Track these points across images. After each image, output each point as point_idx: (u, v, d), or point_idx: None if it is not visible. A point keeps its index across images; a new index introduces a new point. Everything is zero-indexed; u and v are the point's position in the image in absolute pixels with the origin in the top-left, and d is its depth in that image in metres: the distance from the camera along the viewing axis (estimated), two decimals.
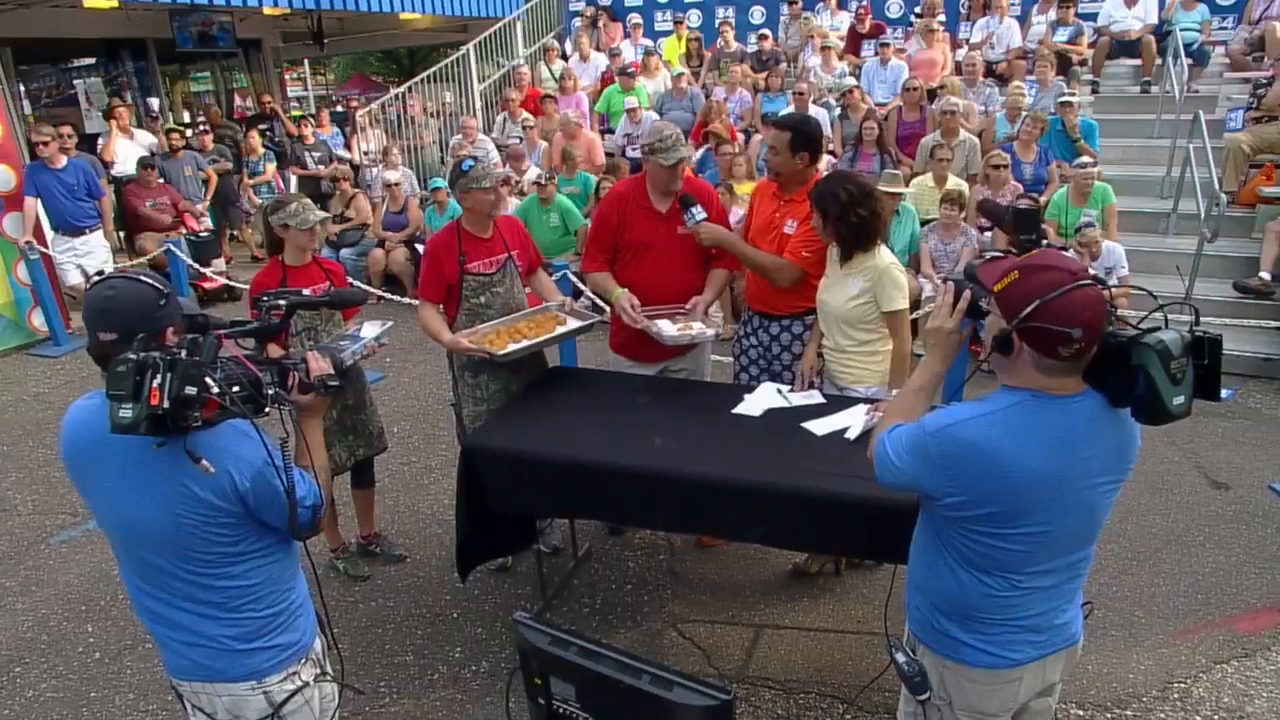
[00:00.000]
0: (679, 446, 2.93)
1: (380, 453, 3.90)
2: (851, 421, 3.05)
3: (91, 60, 14.47)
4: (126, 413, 1.57)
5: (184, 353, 1.61)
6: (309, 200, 3.55)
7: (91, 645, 3.59)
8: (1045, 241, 2.13)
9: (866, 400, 3.22)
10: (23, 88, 13.81)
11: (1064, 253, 1.79)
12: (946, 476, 1.76)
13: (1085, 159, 6.61)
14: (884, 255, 3.18)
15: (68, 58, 14.34)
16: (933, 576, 1.94)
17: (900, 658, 2.06)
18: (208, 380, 1.62)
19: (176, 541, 1.81)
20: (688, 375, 3.84)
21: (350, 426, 3.68)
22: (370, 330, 3.56)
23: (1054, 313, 1.60)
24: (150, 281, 1.81)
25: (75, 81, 14.49)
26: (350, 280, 6.34)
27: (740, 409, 3.22)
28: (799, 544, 3.06)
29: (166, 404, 1.56)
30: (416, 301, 3.78)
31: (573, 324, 3.57)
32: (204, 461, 1.66)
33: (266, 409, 1.80)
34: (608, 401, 3.37)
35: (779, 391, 3.34)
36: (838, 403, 3.23)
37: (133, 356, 1.57)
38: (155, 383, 1.56)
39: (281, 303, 2.03)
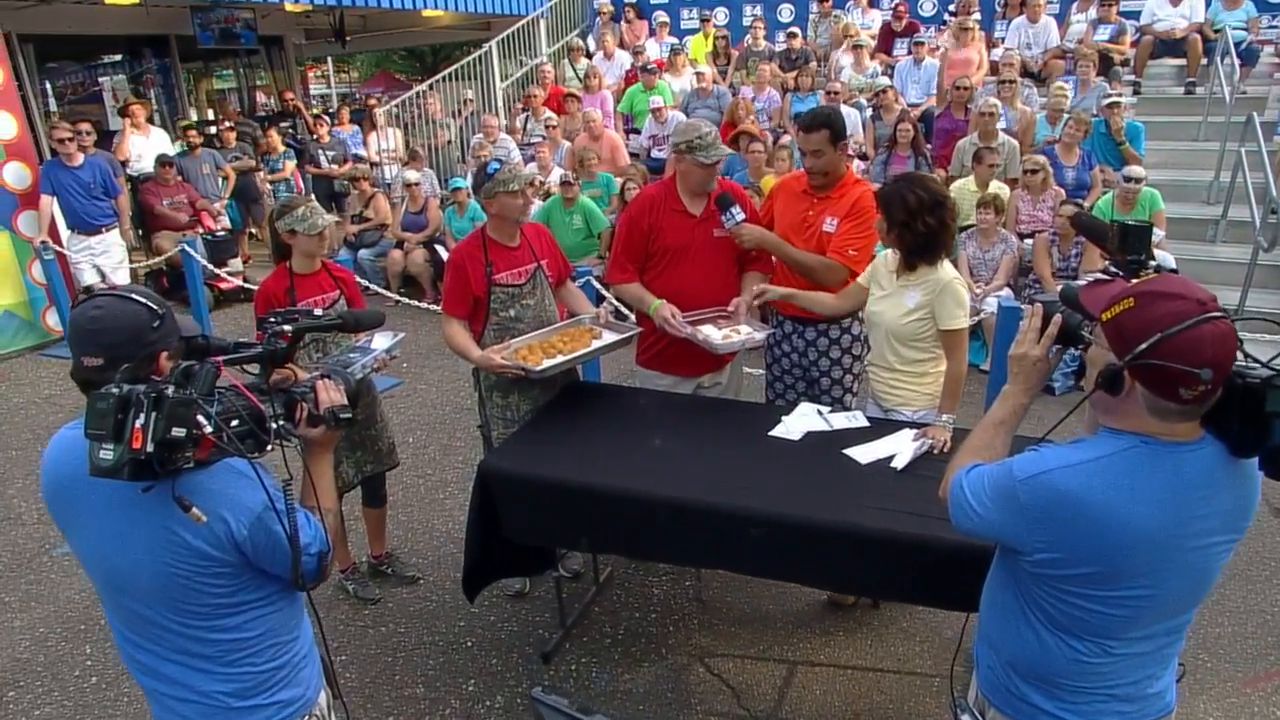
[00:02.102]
0: (712, 474, 2.70)
1: (391, 469, 3.71)
2: (898, 448, 2.82)
3: (119, 57, 14.46)
4: (107, 455, 1.38)
5: (172, 387, 1.41)
6: (317, 204, 3.35)
7: (89, 669, 3.42)
8: (1154, 263, 1.88)
9: (912, 424, 2.99)
10: (49, 85, 13.81)
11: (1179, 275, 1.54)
12: (1038, 530, 1.53)
13: (1135, 169, 6.28)
14: (947, 269, 2.94)
15: (92, 55, 14.33)
16: (1010, 635, 1.70)
17: None
18: (200, 418, 1.42)
19: (166, 592, 1.62)
20: (720, 391, 3.62)
21: (359, 442, 3.49)
22: (381, 342, 3.36)
23: (1178, 349, 1.36)
24: (143, 300, 1.62)
25: (100, 79, 14.49)
26: (365, 283, 6.17)
27: (777, 431, 2.99)
28: (847, 587, 2.83)
29: (150, 448, 1.36)
30: (435, 307, 3.55)
31: (610, 337, 3.35)
32: (195, 510, 1.46)
33: (269, 446, 1.59)
34: (634, 423, 3.14)
35: (819, 413, 3.11)
36: (882, 426, 3.00)
37: (115, 390, 1.38)
38: (138, 423, 1.36)
39: (287, 328, 1.81)
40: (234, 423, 1.51)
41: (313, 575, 1.71)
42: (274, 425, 1.61)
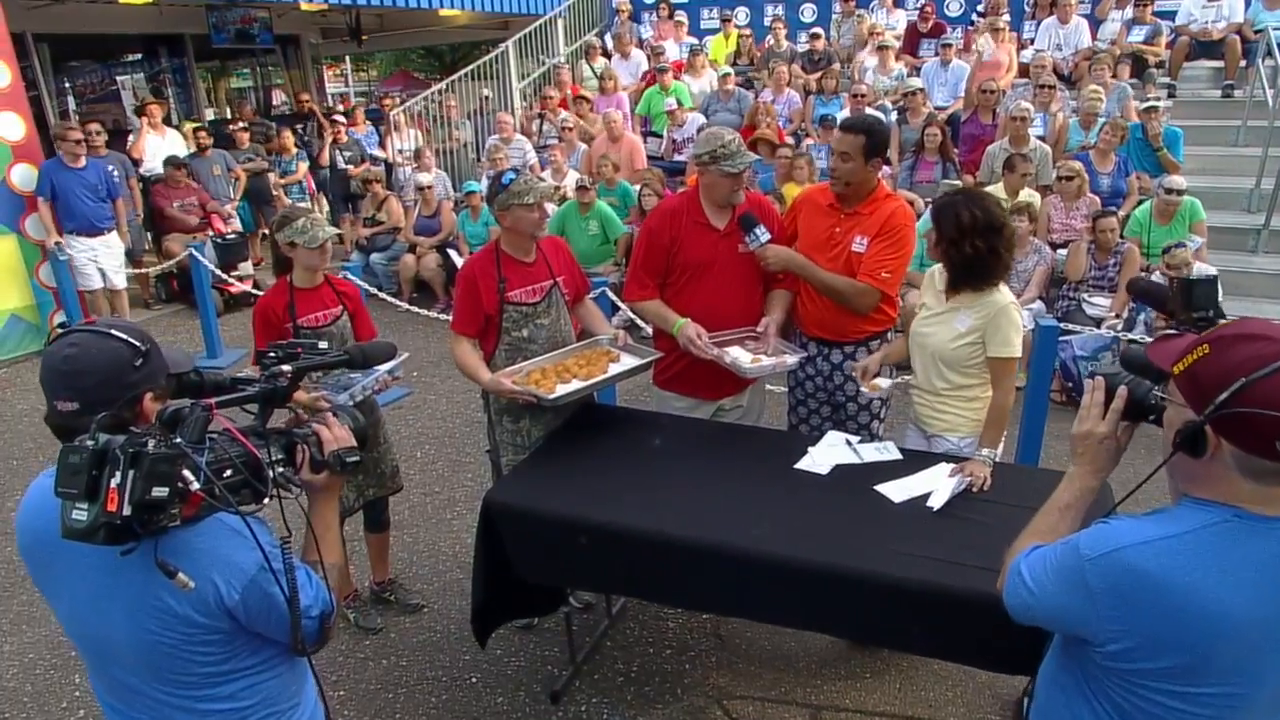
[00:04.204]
0: (734, 513, 2.51)
1: (394, 493, 3.54)
2: (934, 485, 2.61)
3: (138, 56, 14.44)
4: (80, 516, 1.22)
5: (153, 441, 1.24)
6: (318, 215, 3.18)
7: (77, 701, 3.27)
8: (1224, 321, 1.67)
9: (949, 458, 2.78)
10: (69, 84, 13.78)
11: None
12: (1112, 617, 1.32)
13: (1175, 179, 6.02)
14: (1004, 292, 2.74)
15: (111, 54, 14.30)
16: None
17: None
18: (186, 473, 1.26)
19: (150, 660, 1.47)
20: (742, 414, 3.41)
21: (360, 465, 3.30)
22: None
23: (1267, 394, 1.17)
24: (124, 336, 1.46)
25: (119, 78, 14.45)
26: (373, 289, 6.00)
27: (804, 464, 2.79)
28: (878, 641, 2.61)
29: (128, 510, 1.20)
30: (445, 316, 3.35)
31: (629, 361, 3.15)
32: (181, 575, 1.29)
33: (267, 497, 1.43)
34: (652, 452, 2.94)
35: (848, 443, 2.91)
36: (915, 460, 2.79)
37: (89, 443, 1.22)
38: (114, 482, 1.20)
39: (287, 368, 1.62)
40: (227, 473, 1.35)
41: (314, 638, 1.54)
42: (272, 473, 1.45)
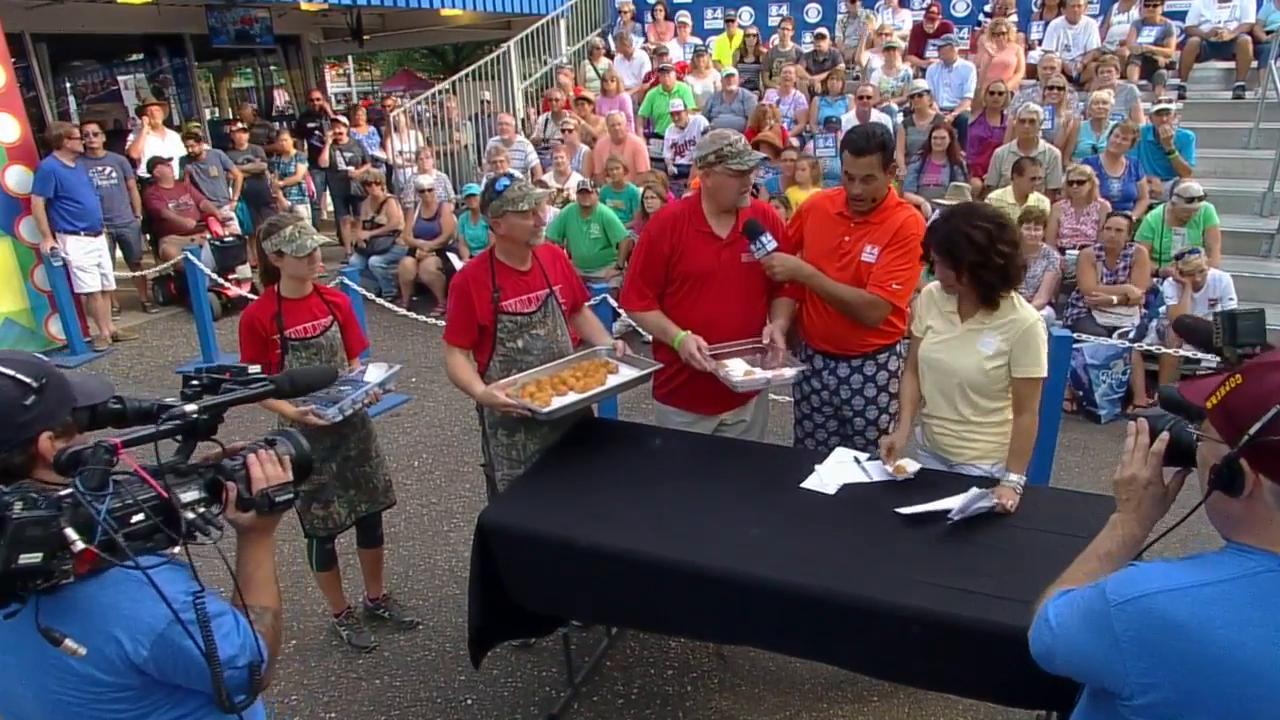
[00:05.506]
0: (738, 536, 2.40)
1: (387, 508, 3.44)
2: (951, 504, 2.49)
3: (140, 56, 14.35)
4: None
5: (18, 504, 1.12)
6: (307, 224, 3.09)
7: None
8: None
9: (968, 479, 2.66)
10: (69, 84, 13.69)
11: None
12: (1139, 668, 1.22)
13: (1192, 186, 5.90)
14: (1027, 308, 2.63)
15: (112, 55, 14.22)
16: None
17: None
18: (69, 532, 1.15)
19: None
20: (744, 429, 3.31)
21: (352, 480, 3.22)
22: (375, 374, 3.11)
23: None
24: (11, 373, 1.31)
25: (120, 78, 14.37)
26: (370, 295, 5.90)
27: (810, 483, 2.68)
28: (898, 676, 2.49)
29: None
30: (444, 322, 3.24)
31: (627, 373, 3.05)
32: (68, 642, 1.18)
33: (179, 543, 1.30)
34: (652, 470, 2.84)
35: (856, 460, 2.80)
36: (927, 477, 2.67)
37: None
38: None
39: (190, 408, 1.40)
40: (136, 517, 1.23)
41: (242, 689, 1.40)
42: (190, 515, 1.32)
